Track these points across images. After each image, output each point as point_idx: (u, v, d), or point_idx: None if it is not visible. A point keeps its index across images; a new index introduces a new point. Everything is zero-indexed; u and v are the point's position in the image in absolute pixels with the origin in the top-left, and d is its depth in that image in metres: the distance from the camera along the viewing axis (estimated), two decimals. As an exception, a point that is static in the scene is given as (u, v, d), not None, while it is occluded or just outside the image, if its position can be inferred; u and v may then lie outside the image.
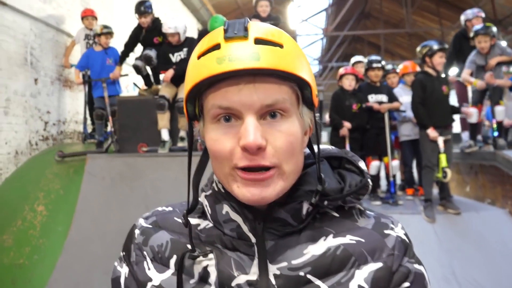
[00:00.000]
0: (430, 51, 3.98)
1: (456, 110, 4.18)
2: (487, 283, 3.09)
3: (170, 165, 4.04)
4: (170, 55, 4.66)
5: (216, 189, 0.68)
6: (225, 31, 0.58)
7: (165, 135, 4.49)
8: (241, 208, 0.64)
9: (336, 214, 0.67)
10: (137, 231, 0.71)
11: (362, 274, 0.61)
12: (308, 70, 0.62)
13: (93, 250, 3.65)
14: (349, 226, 0.66)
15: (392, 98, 4.59)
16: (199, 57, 0.59)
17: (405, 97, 4.64)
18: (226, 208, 0.65)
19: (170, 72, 4.49)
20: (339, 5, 12.76)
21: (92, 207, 3.94)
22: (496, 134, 4.47)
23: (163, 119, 4.50)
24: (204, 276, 0.64)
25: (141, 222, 0.73)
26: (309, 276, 0.61)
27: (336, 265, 0.62)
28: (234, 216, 0.64)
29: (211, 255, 0.64)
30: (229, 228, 0.65)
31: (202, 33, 5.17)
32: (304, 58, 0.62)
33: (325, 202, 0.64)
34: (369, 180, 0.66)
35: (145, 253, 0.69)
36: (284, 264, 0.62)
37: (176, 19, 4.63)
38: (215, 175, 0.65)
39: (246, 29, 0.58)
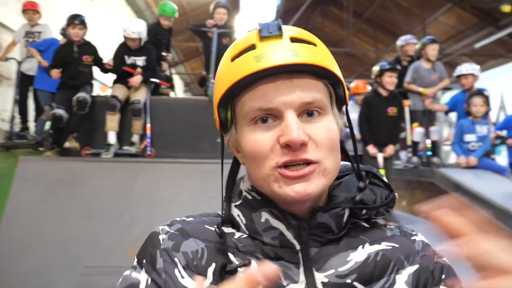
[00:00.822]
0: (380, 71, 4.20)
1: (402, 129, 4.47)
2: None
3: (116, 171, 3.82)
4: (126, 57, 4.49)
5: (249, 197, 0.65)
6: (259, 31, 0.59)
7: (112, 138, 4.25)
8: (283, 214, 0.62)
9: (366, 225, 0.68)
10: (162, 236, 0.65)
11: (403, 278, 0.63)
12: (339, 69, 0.63)
13: (23, 264, 3.30)
14: (380, 235, 0.67)
15: (340, 113, 4.77)
16: (233, 59, 0.59)
17: (354, 114, 4.84)
18: (265, 216, 0.62)
19: (139, 78, 4.37)
20: (284, 20, 13.09)
21: (23, 216, 3.56)
22: (430, 153, 4.81)
23: (113, 121, 4.26)
24: None
25: (165, 227, 0.67)
26: (355, 283, 0.60)
27: (378, 271, 0.62)
28: (276, 223, 0.62)
29: (253, 265, 0.60)
30: (270, 237, 0.62)
31: (152, 29, 5.01)
32: (333, 58, 0.63)
33: (364, 211, 0.64)
34: (396, 194, 0.67)
35: (176, 259, 0.63)
36: (332, 271, 0.61)
37: (139, 23, 4.50)
38: (252, 180, 0.63)
39: (280, 29, 0.59)
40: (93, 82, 4.73)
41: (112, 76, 4.77)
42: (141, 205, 3.65)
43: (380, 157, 4.07)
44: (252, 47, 0.58)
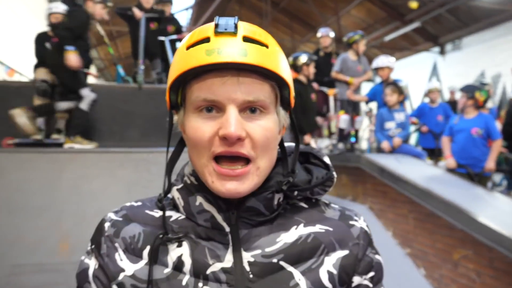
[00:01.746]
0: (308, 61, 4.36)
1: (323, 115, 4.69)
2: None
3: (39, 162, 3.53)
4: (47, 44, 4.29)
5: (188, 182, 0.70)
6: (216, 26, 0.61)
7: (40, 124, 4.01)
8: (215, 199, 0.66)
9: (305, 205, 0.73)
10: (107, 224, 0.71)
11: (331, 261, 0.67)
12: (288, 72, 0.66)
13: None
14: (318, 216, 0.71)
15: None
16: (187, 48, 0.62)
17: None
18: (199, 200, 0.67)
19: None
20: (201, 8, 12.89)
21: None
22: (353, 140, 5.14)
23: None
24: (178, 265, 0.65)
25: (111, 215, 0.72)
26: (281, 262, 0.65)
27: (307, 252, 0.67)
28: (208, 207, 0.67)
29: (185, 245, 0.66)
30: (203, 219, 0.67)
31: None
32: (285, 60, 0.66)
33: (295, 193, 0.69)
34: (334, 173, 0.72)
35: (116, 244, 0.68)
36: (258, 251, 0.65)
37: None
38: (193, 164, 0.67)
39: (236, 27, 0.61)
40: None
41: (22, 60, 4.57)
42: (70, 198, 3.44)
43: (313, 143, 4.27)
44: (206, 39, 0.61)
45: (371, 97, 5.31)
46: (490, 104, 5.29)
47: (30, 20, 9.76)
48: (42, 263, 3.10)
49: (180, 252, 0.65)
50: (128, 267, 0.66)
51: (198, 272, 0.64)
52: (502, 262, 2.68)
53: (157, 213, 0.71)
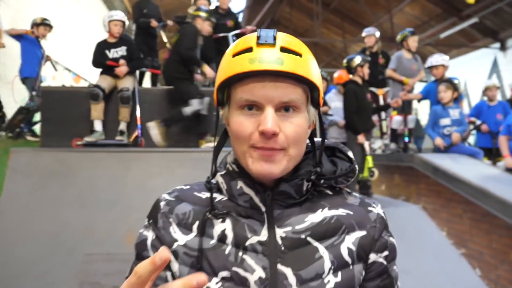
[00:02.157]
0: (362, 62, 4.40)
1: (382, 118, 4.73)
2: (410, 268, 3.54)
3: (107, 161, 3.85)
4: (107, 51, 4.62)
5: (230, 169, 0.82)
6: (258, 38, 0.73)
7: (97, 126, 4.34)
8: (253, 183, 0.79)
9: (330, 192, 0.85)
10: (162, 203, 0.84)
11: (351, 239, 0.78)
12: (318, 76, 0.77)
13: (21, 253, 3.32)
14: (341, 202, 0.83)
15: (323, 102, 4.96)
16: (233, 56, 0.73)
17: (337, 102, 5.04)
18: (240, 184, 0.80)
19: (124, 68, 4.50)
20: (253, 10, 13.14)
21: (17, 207, 3.56)
22: (407, 139, 5.11)
23: (97, 110, 4.36)
24: (222, 237, 0.77)
25: (165, 196, 0.86)
26: (309, 238, 0.77)
27: (330, 231, 0.78)
28: (247, 190, 0.79)
29: (227, 221, 0.78)
30: (243, 200, 0.80)
31: (139, 5, 5.33)
32: (316, 66, 0.77)
33: (322, 181, 0.81)
34: (356, 166, 0.83)
35: (171, 220, 0.81)
36: (289, 228, 0.77)
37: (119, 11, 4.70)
38: (234, 151, 0.78)
39: (274, 38, 0.72)
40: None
41: (87, 68, 4.90)
42: (135, 193, 3.72)
43: (367, 145, 4.31)
44: (249, 49, 0.72)
45: (425, 95, 5.23)
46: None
47: (93, 28, 10.45)
48: (111, 253, 3.36)
49: (224, 227, 0.78)
50: (181, 238, 0.79)
51: (239, 243, 0.76)
52: (562, 263, 2.61)
53: (204, 195, 0.84)
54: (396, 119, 4.98)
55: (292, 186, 0.78)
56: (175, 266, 0.79)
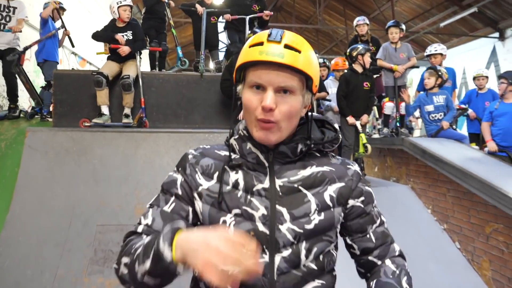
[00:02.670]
0: (363, 51, 4.66)
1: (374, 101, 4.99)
2: (397, 242, 3.82)
3: (118, 140, 4.11)
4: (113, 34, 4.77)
5: (242, 134, 1.08)
6: (269, 35, 0.97)
7: (105, 110, 4.59)
8: (259, 145, 1.04)
9: (318, 155, 1.11)
10: (190, 156, 1.09)
11: (332, 189, 1.05)
12: (314, 69, 1.00)
13: (40, 224, 3.58)
14: (326, 162, 1.09)
15: (321, 88, 5.21)
16: (250, 47, 0.98)
17: (333, 89, 5.31)
18: (249, 145, 1.05)
19: (127, 48, 4.67)
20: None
21: (35, 182, 3.82)
22: (398, 124, 5.37)
23: (101, 96, 4.57)
24: (235, 184, 1.03)
25: (192, 151, 1.11)
26: (300, 187, 1.03)
27: (316, 182, 1.04)
28: (254, 150, 1.05)
29: (239, 173, 1.04)
30: (251, 157, 1.05)
31: None
32: (312, 60, 1.00)
33: (312, 145, 1.07)
34: (340, 135, 1.11)
35: (197, 169, 1.06)
36: (285, 179, 1.03)
37: None
38: (245, 121, 1.03)
39: (281, 37, 0.96)
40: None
41: (92, 52, 5.00)
42: (144, 170, 3.99)
43: (358, 124, 4.60)
44: (261, 43, 0.96)
45: (421, 90, 5.48)
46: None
47: (98, 12, 10.61)
48: (122, 224, 3.63)
49: (237, 177, 1.03)
50: (204, 183, 1.04)
51: (248, 189, 1.01)
52: (529, 234, 2.90)
53: (222, 153, 1.09)
54: (388, 105, 5.25)
55: (289, 148, 1.03)
56: (199, 204, 1.04)
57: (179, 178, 1.07)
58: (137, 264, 0.88)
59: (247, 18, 5.23)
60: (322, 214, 1.01)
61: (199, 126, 4.89)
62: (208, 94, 5.00)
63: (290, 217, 0.99)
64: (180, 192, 1.05)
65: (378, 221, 1.12)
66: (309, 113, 1.07)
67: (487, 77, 5.97)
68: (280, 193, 1.01)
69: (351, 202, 1.07)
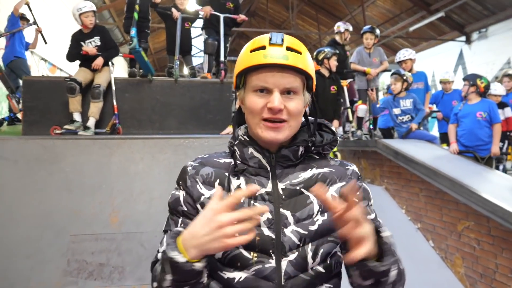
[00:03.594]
0: (329, 54, 4.73)
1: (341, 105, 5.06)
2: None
3: (92, 147, 4.01)
4: (82, 43, 4.63)
5: (242, 139, 1.08)
6: (270, 39, 0.99)
7: (77, 117, 4.48)
8: (261, 149, 1.05)
9: (317, 157, 1.12)
10: (189, 168, 1.09)
11: (333, 189, 1.06)
12: (312, 68, 1.04)
13: (10, 235, 3.47)
14: (325, 164, 1.11)
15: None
16: (251, 51, 0.99)
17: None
18: (250, 150, 1.06)
19: (100, 60, 4.52)
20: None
21: (4, 193, 3.68)
22: (371, 126, 5.48)
23: (74, 103, 4.45)
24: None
25: (191, 163, 1.11)
26: (302, 189, 1.04)
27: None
28: (256, 154, 1.05)
29: (241, 178, 1.04)
30: (253, 162, 1.05)
31: None
32: (311, 61, 1.04)
33: (312, 148, 1.09)
34: (338, 137, 1.13)
35: (197, 179, 1.06)
36: (288, 182, 1.04)
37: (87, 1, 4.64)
38: (248, 124, 1.05)
39: (282, 40, 0.98)
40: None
41: (62, 58, 4.84)
42: (119, 178, 3.91)
43: (334, 128, 4.66)
44: (263, 47, 0.98)
45: (391, 93, 5.60)
46: (501, 91, 5.42)
47: (68, 18, 10.39)
48: (97, 233, 3.56)
49: (239, 182, 1.03)
50: (206, 192, 1.04)
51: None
52: (498, 230, 3.00)
53: (222, 160, 1.10)
54: (361, 108, 5.35)
55: (291, 151, 1.04)
56: None
57: (181, 194, 1.07)
58: (162, 282, 0.91)
59: (221, 16, 5.21)
60: (325, 214, 1.02)
61: (175, 132, 4.85)
62: (183, 99, 4.96)
63: (294, 219, 1.00)
64: (185, 208, 1.06)
65: (373, 215, 1.13)
66: (310, 117, 1.11)
67: (451, 82, 6.18)
68: (283, 196, 1.02)
69: None
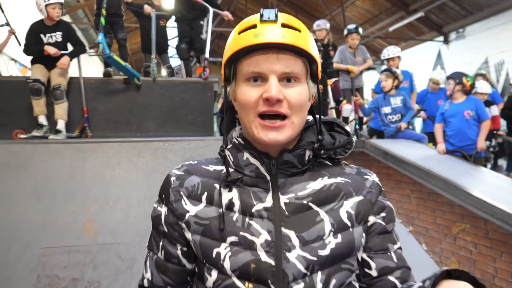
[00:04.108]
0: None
1: (327, 104, 4.91)
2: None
3: (64, 152, 3.76)
4: (42, 36, 4.26)
5: (236, 142, 0.89)
6: (261, 15, 0.80)
7: (43, 121, 4.16)
8: (259, 154, 0.85)
9: (329, 163, 0.92)
10: (173, 178, 0.90)
11: (349, 204, 0.85)
12: (316, 51, 0.84)
13: None
14: (339, 171, 0.90)
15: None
16: (239, 33, 0.81)
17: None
18: (246, 155, 0.86)
19: (66, 59, 4.15)
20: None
21: None
22: (357, 126, 5.35)
23: (39, 105, 4.14)
24: (230, 205, 0.84)
25: (175, 171, 0.92)
26: (310, 204, 0.83)
27: (330, 197, 0.85)
28: (253, 160, 0.86)
29: (234, 190, 0.85)
30: (249, 170, 0.86)
31: None
32: (313, 41, 0.85)
33: (322, 152, 0.88)
34: (353, 138, 0.91)
35: (181, 193, 0.88)
36: (292, 195, 0.84)
37: None
38: (242, 122, 0.85)
39: (276, 16, 0.80)
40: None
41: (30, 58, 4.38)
42: (94, 184, 3.67)
43: None
44: (254, 26, 0.79)
45: (379, 91, 5.50)
46: (487, 89, 5.41)
47: (39, 17, 10.00)
48: (70, 245, 3.32)
49: (231, 195, 0.84)
50: (191, 209, 0.86)
51: (245, 210, 0.82)
52: (496, 233, 2.88)
53: (211, 167, 0.91)
54: (346, 108, 5.22)
55: (295, 156, 0.84)
56: (188, 235, 0.86)
57: (163, 211, 0.90)
58: None
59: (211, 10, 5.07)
60: (339, 236, 0.82)
61: (153, 135, 4.62)
62: (161, 100, 4.73)
63: (300, 241, 0.80)
64: (166, 229, 0.90)
65: (398, 244, 0.92)
66: (317, 116, 0.89)
67: (438, 83, 6.13)
68: (286, 213, 0.82)
69: (371, 219, 0.87)
